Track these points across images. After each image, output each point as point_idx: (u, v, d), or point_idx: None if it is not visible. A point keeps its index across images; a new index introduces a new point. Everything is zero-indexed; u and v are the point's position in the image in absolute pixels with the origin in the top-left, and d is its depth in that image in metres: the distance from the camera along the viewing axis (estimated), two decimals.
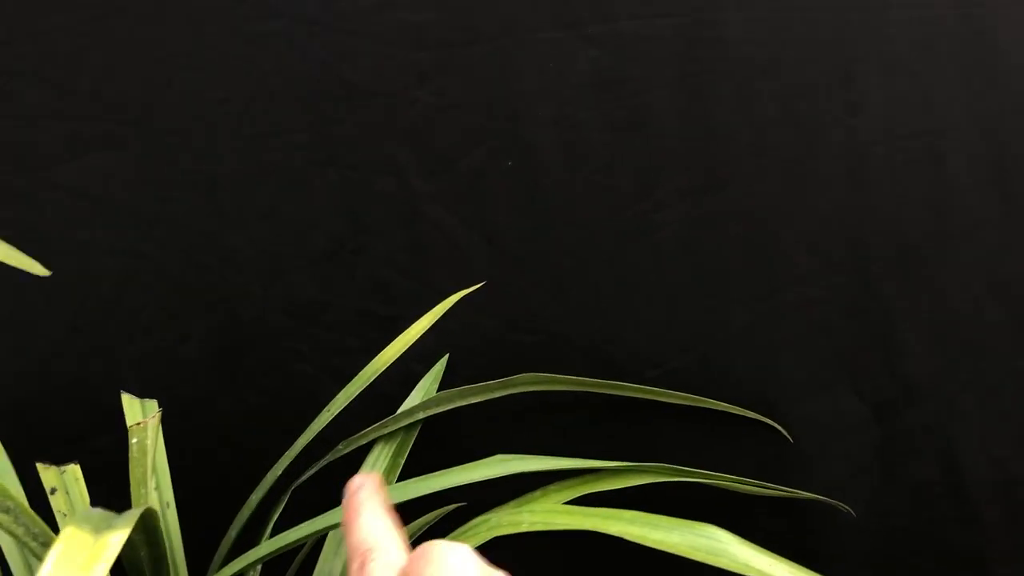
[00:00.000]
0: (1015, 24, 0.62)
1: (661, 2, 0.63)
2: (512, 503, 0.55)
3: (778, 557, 0.46)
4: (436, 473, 0.54)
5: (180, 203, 0.64)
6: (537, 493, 0.56)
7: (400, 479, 0.58)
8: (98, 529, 0.35)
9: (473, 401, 0.58)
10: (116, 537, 0.34)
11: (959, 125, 0.62)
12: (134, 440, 0.46)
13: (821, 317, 0.63)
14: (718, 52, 0.63)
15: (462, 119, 0.64)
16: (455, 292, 0.59)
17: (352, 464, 0.59)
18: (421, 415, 0.58)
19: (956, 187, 0.62)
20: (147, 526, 0.43)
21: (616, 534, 0.45)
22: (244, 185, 0.64)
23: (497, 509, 0.54)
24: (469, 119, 0.64)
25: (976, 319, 0.62)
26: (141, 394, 0.56)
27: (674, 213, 0.63)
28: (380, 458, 0.59)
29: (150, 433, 0.47)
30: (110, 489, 0.46)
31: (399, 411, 0.58)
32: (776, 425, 0.62)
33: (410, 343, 0.56)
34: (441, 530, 0.56)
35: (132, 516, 0.37)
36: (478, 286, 0.57)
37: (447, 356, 0.63)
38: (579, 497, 0.54)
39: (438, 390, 0.62)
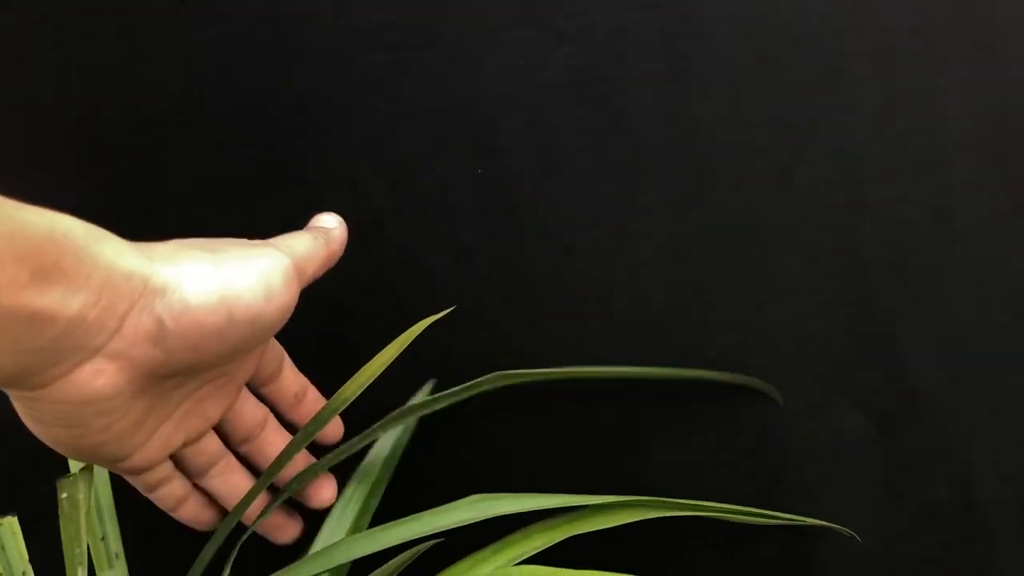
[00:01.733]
0: (1016, 8, 0.59)
1: None
2: (484, 552, 0.51)
3: None
4: (405, 519, 0.51)
5: (118, 227, 0.60)
6: (517, 535, 0.52)
7: (374, 520, 0.55)
8: None
9: (439, 408, 0.54)
10: None
11: (961, 118, 0.59)
12: (63, 495, 0.43)
13: (818, 330, 0.60)
14: (702, 47, 0.60)
15: (425, 126, 0.61)
16: (423, 317, 0.55)
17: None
18: (380, 434, 0.54)
19: (960, 185, 0.60)
20: None
21: None
22: (187, 205, 0.61)
23: (460, 563, 0.51)
24: (432, 126, 0.61)
25: (984, 326, 0.59)
26: None
27: (657, 224, 0.60)
28: (352, 500, 0.56)
29: (82, 486, 0.43)
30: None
31: (354, 437, 0.54)
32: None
33: (372, 378, 0.51)
34: (416, 568, 0.53)
35: None
36: (447, 312, 0.52)
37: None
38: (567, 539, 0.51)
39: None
